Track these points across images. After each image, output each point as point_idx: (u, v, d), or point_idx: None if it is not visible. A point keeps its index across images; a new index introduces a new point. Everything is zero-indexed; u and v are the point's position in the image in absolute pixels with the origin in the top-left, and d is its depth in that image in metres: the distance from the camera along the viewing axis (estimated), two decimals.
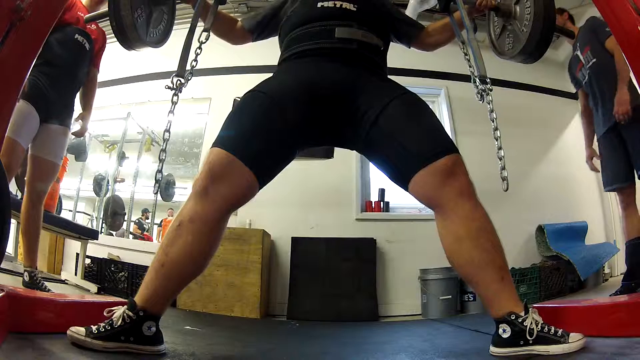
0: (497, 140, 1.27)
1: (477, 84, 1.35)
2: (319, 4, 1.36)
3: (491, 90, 1.33)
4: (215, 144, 1.20)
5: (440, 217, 1.18)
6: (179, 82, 1.30)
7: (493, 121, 1.29)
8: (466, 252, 1.13)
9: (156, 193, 1.24)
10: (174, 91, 1.29)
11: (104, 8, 1.68)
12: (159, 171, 1.23)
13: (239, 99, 1.31)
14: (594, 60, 2.40)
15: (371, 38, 1.35)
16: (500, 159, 1.24)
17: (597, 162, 2.59)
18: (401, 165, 1.21)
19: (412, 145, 1.18)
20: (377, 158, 1.30)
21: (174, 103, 1.29)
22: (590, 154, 2.64)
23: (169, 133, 1.27)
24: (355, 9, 1.36)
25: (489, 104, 1.31)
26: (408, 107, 1.26)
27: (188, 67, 1.34)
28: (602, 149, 2.50)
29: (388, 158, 1.25)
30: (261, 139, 1.20)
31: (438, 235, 1.18)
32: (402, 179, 1.22)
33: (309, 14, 1.38)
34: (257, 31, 1.58)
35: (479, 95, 1.34)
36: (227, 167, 1.15)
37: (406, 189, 1.22)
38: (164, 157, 1.24)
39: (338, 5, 1.35)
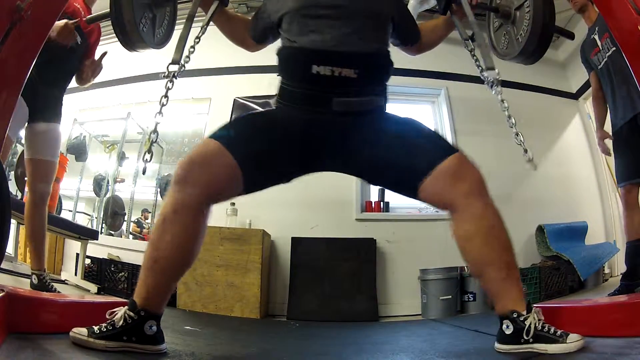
0: (512, 127, 1.26)
1: (486, 75, 1.34)
2: (315, 69, 1.22)
3: (500, 81, 1.31)
4: (207, 137, 1.22)
5: (453, 216, 1.20)
6: (174, 70, 1.28)
7: (506, 110, 1.28)
8: (475, 250, 1.17)
9: (146, 167, 1.19)
10: (168, 78, 1.27)
11: (105, 4, 1.67)
12: (148, 151, 1.18)
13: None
14: (614, 49, 2.31)
15: (370, 103, 1.29)
16: (521, 144, 1.24)
17: (609, 143, 2.53)
18: (407, 180, 1.24)
19: (413, 158, 1.22)
20: (382, 182, 1.40)
21: (168, 89, 1.26)
22: (601, 135, 2.56)
23: (162, 115, 1.24)
24: (356, 75, 1.23)
25: (499, 94, 1.30)
26: (401, 129, 1.29)
27: (184, 57, 1.32)
28: (616, 143, 2.43)
29: (392, 179, 1.29)
30: (258, 142, 1.23)
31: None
32: (411, 191, 1.25)
33: (303, 76, 1.26)
34: (262, 41, 1.49)
35: (490, 86, 1.32)
36: (213, 154, 1.16)
37: (417, 198, 1.25)
38: (155, 138, 1.21)
39: (337, 74, 1.22)
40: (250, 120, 1.32)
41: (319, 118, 1.25)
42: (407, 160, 1.22)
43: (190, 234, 1.15)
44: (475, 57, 1.41)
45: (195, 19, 1.41)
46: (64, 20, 1.89)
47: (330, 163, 1.34)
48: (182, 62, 1.30)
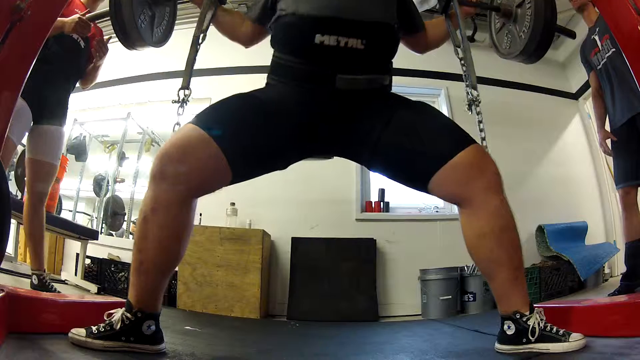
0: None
1: (468, 93, 1.34)
2: (318, 39, 1.10)
3: (480, 102, 1.32)
4: (188, 122, 1.11)
5: (465, 212, 1.15)
6: (184, 94, 1.30)
7: (481, 131, 1.30)
8: (487, 249, 1.12)
9: None
10: (179, 104, 1.28)
11: (103, 4, 1.68)
12: None
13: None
14: (613, 50, 2.31)
15: (376, 81, 1.19)
16: None
17: (610, 144, 2.52)
18: (417, 169, 1.16)
19: (426, 146, 1.14)
20: (386, 169, 1.24)
21: (179, 115, 1.28)
22: (604, 136, 2.54)
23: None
24: (363, 47, 1.12)
25: (477, 114, 1.31)
26: (412, 113, 1.21)
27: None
28: (615, 144, 2.43)
29: (400, 166, 1.20)
30: (247, 128, 1.12)
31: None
32: (421, 182, 1.17)
33: (303, 48, 1.14)
34: (260, 20, 1.35)
35: (468, 106, 1.33)
36: (194, 144, 1.05)
37: (426, 190, 1.17)
38: None
39: (342, 44, 1.10)
40: (238, 103, 1.18)
41: (319, 97, 1.15)
42: (421, 147, 1.13)
43: (173, 234, 1.06)
44: (464, 68, 1.40)
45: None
46: (76, 15, 1.94)
47: (329, 147, 1.25)
48: (191, 86, 1.30)
